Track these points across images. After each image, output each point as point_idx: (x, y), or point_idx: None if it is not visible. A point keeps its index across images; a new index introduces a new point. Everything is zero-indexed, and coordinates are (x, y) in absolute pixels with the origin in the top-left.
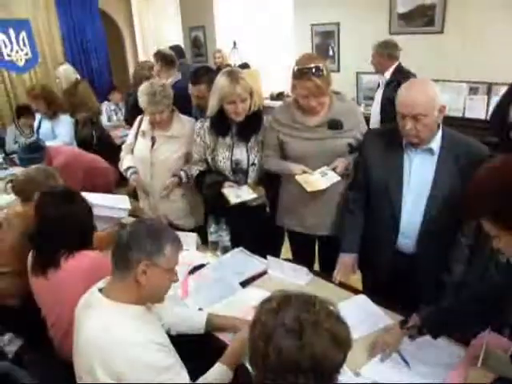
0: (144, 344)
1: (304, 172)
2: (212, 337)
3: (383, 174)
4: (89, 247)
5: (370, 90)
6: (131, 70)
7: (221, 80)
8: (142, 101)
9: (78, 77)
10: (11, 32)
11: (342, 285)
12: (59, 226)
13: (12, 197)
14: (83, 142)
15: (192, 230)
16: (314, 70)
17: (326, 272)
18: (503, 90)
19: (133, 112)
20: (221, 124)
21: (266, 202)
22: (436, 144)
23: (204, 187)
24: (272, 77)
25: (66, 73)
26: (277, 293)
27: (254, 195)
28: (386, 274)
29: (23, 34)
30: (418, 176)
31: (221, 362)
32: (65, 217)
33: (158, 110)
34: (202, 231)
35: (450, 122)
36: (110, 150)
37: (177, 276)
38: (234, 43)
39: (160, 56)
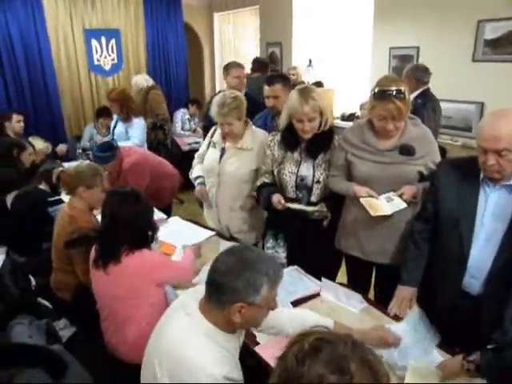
0: (218, 379)
1: (369, 195)
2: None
3: (455, 207)
4: (148, 247)
5: (447, 118)
6: (207, 82)
7: (292, 96)
8: (213, 111)
9: (150, 84)
10: (103, 40)
11: (396, 318)
12: (125, 225)
13: None
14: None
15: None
16: (395, 93)
17: (380, 301)
18: None
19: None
20: (290, 139)
21: (327, 215)
22: None
23: (260, 198)
24: (344, 97)
25: (138, 83)
26: (316, 330)
27: (314, 208)
28: (447, 313)
29: (112, 42)
30: (494, 213)
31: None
32: (132, 216)
33: (226, 122)
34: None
35: None
36: (176, 156)
37: (276, 303)
38: (310, 61)
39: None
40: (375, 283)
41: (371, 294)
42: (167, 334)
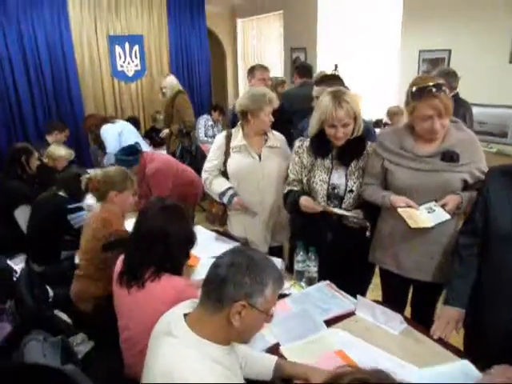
0: None
1: (408, 206)
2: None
3: (510, 220)
4: (180, 274)
5: (481, 124)
6: (230, 89)
7: (324, 100)
8: (256, 104)
9: (181, 88)
10: (126, 46)
11: (440, 341)
12: (163, 244)
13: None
14: (173, 153)
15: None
16: (435, 88)
17: (418, 321)
18: None
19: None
20: (321, 145)
21: (365, 224)
22: None
23: (287, 204)
24: (372, 103)
25: (173, 83)
26: (349, 370)
27: (354, 213)
28: (498, 340)
29: (136, 48)
30: None
31: (277, 360)
32: (175, 235)
33: (269, 113)
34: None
35: None
36: (200, 163)
37: (272, 317)
38: (335, 66)
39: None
40: (412, 302)
41: (407, 313)
42: (156, 364)
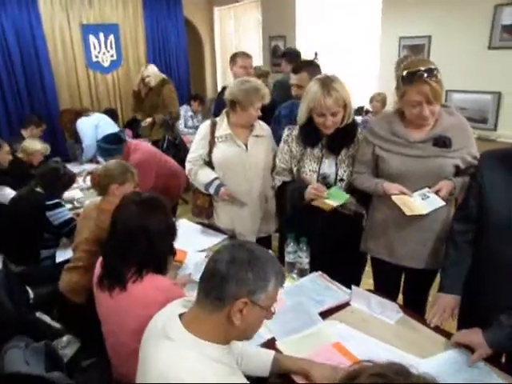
0: None
1: (402, 193)
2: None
3: (505, 205)
4: (164, 274)
5: (461, 110)
6: (208, 78)
7: (313, 88)
8: (247, 97)
9: (165, 77)
10: (101, 35)
11: (437, 329)
12: (145, 241)
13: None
14: (155, 144)
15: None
16: (427, 73)
17: (410, 308)
18: None
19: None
20: (310, 134)
21: (360, 210)
22: None
23: (287, 194)
24: (353, 91)
25: (156, 72)
26: (365, 366)
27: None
28: None
29: (111, 38)
30: None
31: (274, 354)
32: (157, 231)
33: (259, 107)
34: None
35: None
36: (183, 154)
37: (273, 313)
38: (316, 54)
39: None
40: (404, 289)
41: (399, 300)
42: (154, 368)
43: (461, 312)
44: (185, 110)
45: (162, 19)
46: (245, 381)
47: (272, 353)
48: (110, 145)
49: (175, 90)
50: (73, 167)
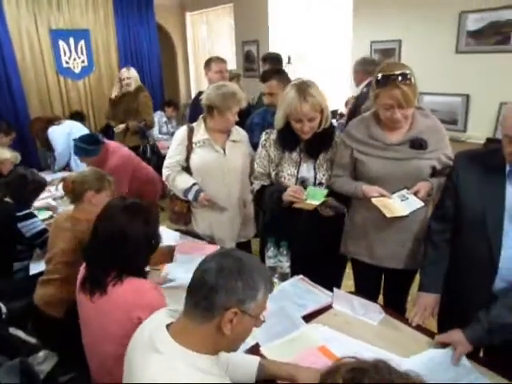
0: None
1: (381, 195)
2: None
3: (479, 203)
4: (142, 276)
5: (432, 112)
6: (182, 83)
7: (289, 94)
8: (223, 101)
9: (140, 83)
10: (71, 41)
11: (418, 328)
12: (113, 245)
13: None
14: (131, 150)
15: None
16: (400, 78)
17: (391, 308)
18: None
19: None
20: (288, 138)
21: (344, 210)
22: None
23: (265, 197)
24: (327, 94)
25: (136, 75)
26: (347, 361)
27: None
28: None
29: (82, 43)
30: None
31: (259, 360)
32: (124, 235)
33: (236, 111)
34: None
35: None
36: (158, 161)
37: (262, 322)
38: (289, 58)
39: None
40: (384, 289)
41: (379, 301)
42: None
43: (441, 310)
44: (159, 116)
45: (133, 25)
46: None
47: (257, 359)
48: (88, 145)
49: (150, 97)
50: (45, 176)
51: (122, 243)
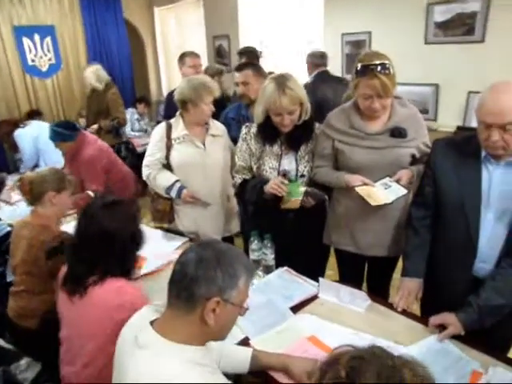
0: None
1: (364, 183)
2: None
3: (457, 189)
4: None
5: None
6: (152, 79)
7: (268, 88)
8: (197, 94)
9: (109, 79)
10: (36, 38)
11: (404, 312)
12: (100, 245)
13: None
14: None
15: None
16: (379, 68)
17: (375, 294)
18: None
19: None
20: (268, 131)
21: (325, 198)
22: None
23: (247, 190)
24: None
25: (99, 72)
26: (345, 350)
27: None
28: (458, 303)
29: (48, 40)
30: (501, 191)
31: (252, 351)
32: (109, 234)
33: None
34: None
35: None
36: (133, 159)
37: (246, 309)
38: (260, 52)
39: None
40: (368, 276)
41: (363, 288)
42: (131, 381)
43: (423, 294)
44: (130, 113)
45: (101, 20)
46: (226, 380)
47: (250, 350)
48: (64, 129)
49: (119, 93)
50: (14, 177)
51: (105, 243)
